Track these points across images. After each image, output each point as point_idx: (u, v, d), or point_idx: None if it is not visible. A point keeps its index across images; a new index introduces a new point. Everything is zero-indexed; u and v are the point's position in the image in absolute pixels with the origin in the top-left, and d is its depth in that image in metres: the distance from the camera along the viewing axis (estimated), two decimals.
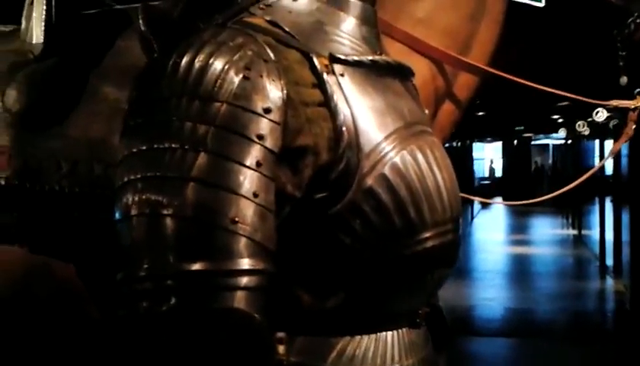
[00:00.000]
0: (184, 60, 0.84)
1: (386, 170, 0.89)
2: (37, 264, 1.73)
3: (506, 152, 25.24)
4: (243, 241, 0.79)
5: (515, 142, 24.03)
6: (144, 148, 0.82)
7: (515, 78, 1.76)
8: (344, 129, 0.87)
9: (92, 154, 1.64)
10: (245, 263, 0.79)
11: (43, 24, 1.74)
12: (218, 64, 0.83)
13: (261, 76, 0.84)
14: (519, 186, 19.19)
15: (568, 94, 1.83)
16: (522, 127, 19.87)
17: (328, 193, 0.87)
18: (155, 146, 0.81)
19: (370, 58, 0.95)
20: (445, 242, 0.93)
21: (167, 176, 0.80)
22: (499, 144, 25.60)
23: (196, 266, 0.78)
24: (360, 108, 0.90)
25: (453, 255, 0.98)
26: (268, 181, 0.82)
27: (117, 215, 0.83)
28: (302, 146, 0.85)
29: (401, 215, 0.89)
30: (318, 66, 0.89)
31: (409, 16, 1.69)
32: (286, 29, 0.93)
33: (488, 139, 24.30)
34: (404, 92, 1.00)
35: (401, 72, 1.02)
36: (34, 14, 1.78)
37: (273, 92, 0.84)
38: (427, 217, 0.91)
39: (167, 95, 0.83)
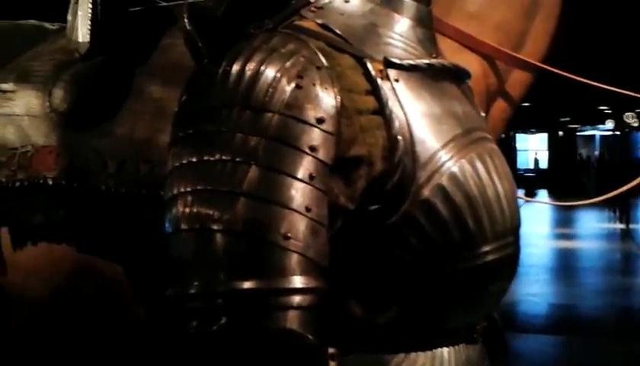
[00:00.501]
0: (235, 68, 0.81)
1: (444, 180, 0.84)
2: (84, 264, 1.73)
3: (551, 144, 24.75)
4: (295, 257, 0.76)
5: (560, 133, 23.54)
6: (194, 160, 0.80)
7: (569, 75, 1.69)
8: (399, 138, 0.83)
9: (138, 153, 1.63)
10: (298, 281, 0.76)
11: (88, 22, 1.73)
12: (269, 72, 0.80)
13: (314, 84, 0.80)
14: (564, 178, 18.79)
15: (622, 91, 1.75)
16: (567, 118, 19.45)
17: (382, 205, 0.83)
18: (205, 157, 0.79)
19: (426, 61, 0.91)
20: (505, 255, 0.89)
21: (217, 190, 0.78)
22: (544, 135, 25.12)
23: (247, 284, 0.75)
24: (416, 115, 0.86)
25: (513, 268, 0.94)
26: (321, 195, 0.79)
27: (167, 228, 0.82)
28: (355, 156, 0.82)
29: (459, 228, 0.84)
30: (373, 72, 0.85)
31: (460, 11, 1.63)
32: (339, 32, 0.89)
33: (533, 130, 23.87)
34: (462, 96, 0.96)
35: (458, 75, 0.98)
36: (80, 13, 1.77)
37: (326, 101, 0.80)
38: (487, 230, 0.86)
39: (217, 105, 0.81)
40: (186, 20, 1.57)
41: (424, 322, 0.89)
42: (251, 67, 0.81)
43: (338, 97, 0.81)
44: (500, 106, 1.70)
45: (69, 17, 1.85)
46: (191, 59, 1.69)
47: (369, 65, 0.86)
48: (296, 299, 0.76)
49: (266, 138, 0.78)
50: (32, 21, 2.03)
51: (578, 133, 24.47)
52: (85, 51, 1.73)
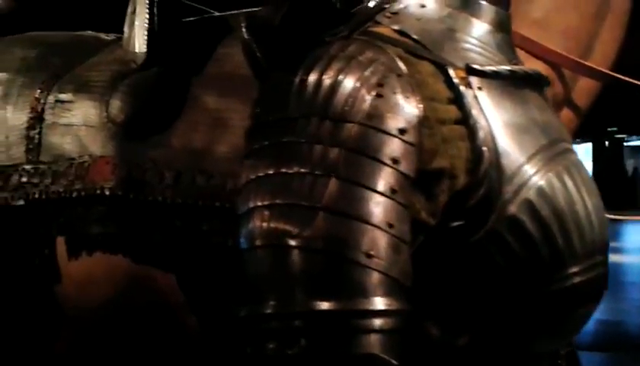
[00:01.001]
0: (312, 77, 0.78)
1: (531, 195, 0.79)
2: (139, 275, 1.72)
3: (596, 154, 24.21)
4: (378, 277, 0.73)
5: (606, 143, 22.99)
6: (271, 172, 0.77)
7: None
8: (484, 149, 0.79)
9: (195, 164, 1.61)
10: (380, 302, 0.72)
11: (145, 33, 1.73)
12: (348, 81, 0.76)
13: (395, 93, 0.77)
14: (610, 190, 18.33)
15: None
16: (615, 128, 18.98)
17: (465, 221, 0.79)
18: (283, 170, 0.76)
19: (508, 68, 0.86)
20: (594, 276, 0.84)
21: (295, 204, 0.75)
22: (588, 145, 24.60)
23: (327, 305, 0.72)
24: (500, 125, 0.81)
25: (601, 290, 0.88)
26: (403, 210, 0.75)
27: (242, 244, 0.79)
28: (437, 168, 0.78)
29: (548, 246, 0.79)
30: (455, 79, 0.81)
31: (524, 17, 1.58)
32: (417, 38, 0.85)
33: (577, 140, 23.39)
34: (544, 104, 0.91)
35: (538, 82, 0.93)
36: (137, 23, 1.77)
37: (408, 110, 0.77)
38: (577, 248, 0.81)
39: (294, 115, 0.78)
40: (244, 30, 1.56)
41: (505, 347, 0.84)
42: (329, 76, 0.78)
43: (420, 106, 0.77)
44: (566, 116, 1.63)
45: (126, 28, 1.85)
46: (247, 69, 1.68)
47: (452, 73, 0.81)
48: (379, 321, 0.72)
49: (346, 149, 0.75)
50: (89, 32, 2.04)
51: (626, 144, 23.87)
52: (142, 62, 1.73)
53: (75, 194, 1.66)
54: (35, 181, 1.71)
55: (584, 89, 1.64)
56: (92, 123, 1.68)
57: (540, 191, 0.81)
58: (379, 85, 0.78)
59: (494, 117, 0.82)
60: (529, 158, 0.82)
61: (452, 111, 0.81)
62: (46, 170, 1.71)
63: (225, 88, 1.66)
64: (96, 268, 1.75)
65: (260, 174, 0.79)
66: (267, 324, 0.75)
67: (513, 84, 0.87)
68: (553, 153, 0.85)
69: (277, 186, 0.77)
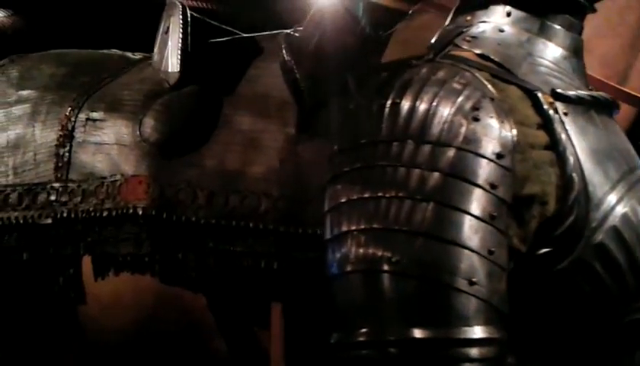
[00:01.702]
0: (405, 101, 0.77)
1: (617, 223, 0.79)
2: (167, 295, 1.70)
3: None
4: (478, 305, 0.71)
5: None
6: (366, 196, 0.76)
7: None
8: (573, 175, 0.78)
9: (228, 185, 1.60)
10: (481, 331, 0.70)
11: (178, 52, 1.72)
12: (444, 105, 0.76)
13: (491, 117, 0.76)
14: None
15: None
16: None
17: (553, 248, 0.78)
18: (380, 194, 0.75)
19: (590, 93, 0.86)
20: None
21: (390, 228, 0.73)
22: None
23: (423, 333, 0.70)
24: (585, 151, 0.81)
25: None
26: (502, 236, 0.74)
27: (332, 269, 0.77)
28: (529, 194, 0.77)
29: (634, 274, 0.79)
30: (545, 105, 0.80)
31: None
32: (500, 62, 0.85)
33: None
34: (619, 130, 0.91)
35: (610, 108, 0.93)
36: (169, 43, 1.76)
37: (504, 134, 0.76)
38: None
39: (387, 139, 0.77)
40: (284, 51, 1.56)
41: None
42: (423, 100, 0.77)
43: (514, 130, 0.77)
44: None
45: (157, 48, 1.85)
46: (280, 91, 1.68)
47: (541, 98, 0.81)
48: (478, 350, 0.70)
49: (444, 174, 0.74)
50: (114, 51, 2.04)
51: None
52: (175, 81, 1.72)
53: (105, 213, 1.64)
54: (64, 199, 1.69)
55: (621, 116, 1.64)
56: (124, 141, 1.66)
57: (625, 218, 0.80)
58: (475, 109, 0.77)
59: (579, 142, 0.82)
60: (614, 185, 0.82)
61: (542, 137, 0.81)
62: (75, 188, 1.69)
63: (258, 110, 1.65)
64: (123, 289, 1.72)
65: (354, 197, 0.77)
66: (360, 352, 0.73)
67: (594, 109, 0.87)
68: (634, 180, 0.85)
69: (373, 210, 0.76)
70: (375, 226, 0.75)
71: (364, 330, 0.72)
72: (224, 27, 1.88)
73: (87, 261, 1.73)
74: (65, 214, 1.68)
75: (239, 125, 1.65)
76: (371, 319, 0.73)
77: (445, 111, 0.76)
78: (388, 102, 0.79)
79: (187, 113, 1.66)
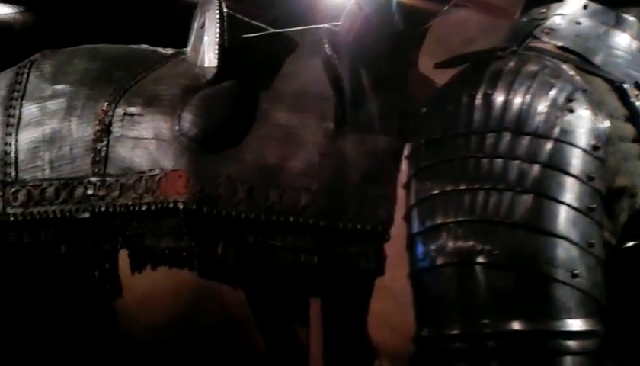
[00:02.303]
0: (498, 93, 0.78)
1: None
2: (206, 290, 1.70)
3: None
4: (580, 297, 0.71)
5: None
6: (461, 188, 0.76)
7: None
8: None
9: (267, 179, 1.61)
10: (582, 323, 0.70)
11: (216, 47, 1.72)
12: (539, 97, 0.76)
13: (585, 109, 0.77)
14: None
15: None
16: None
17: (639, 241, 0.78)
18: (476, 186, 0.75)
19: None
20: None
21: (489, 221, 0.73)
22: None
23: (522, 325, 0.70)
24: None
25: None
26: (599, 229, 0.74)
27: (423, 262, 0.77)
28: (620, 187, 0.77)
29: None
30: (632, 97, 0.81)
31: None
32: (582, 54, 0.85)
33: None
34: None
35: None
36: (206, 38, 1.77)
37: (598, 126, 0.76)
38: None
39: (481, 131, 0.77)
40: (326, 46, 1.56)
41: None
42: (517, 93, 0.77)
43: (606, 122, 0.77)
44: None
45: (191, 43, 1.85)
46: (317, 86, 1.68)
47: (629, 90, 0.81)
48: (578, 343, 0.70)
49: (542, 166, 0.74)
50: (144, 46, 2.04)
51: None
52: (212, 76, 1.72)
53: (144, 207, 1.64)
54: (101, 193, 1.69)
55: None
56: (163, 136, 1.66)
57: None
58: (569, 100, 0.77)
59: None
60: None
61: (629, 129, 0.81)
62: (113, 183, 1.69)
63: (296, 105, 1.66)
64: (161, 284, 1.73)
65: (448, 189, 0.77)
66: (453, 345, 0.73)
67: None
68: None
69: (470, 202, 0.75)
70: (472, 218, 0.75)
71: (457, 323, 0.72)
72: (255, 23, 1.88)
73: (123, 256, 1.74)
74: (103, 208, 1.68)
75: (277, 120, 1.65)
76: (465, 312, 0.73)
77: (540, 104, 0.76)
78: (479, 94, 0.79)
79: (226, 107, 1.66)
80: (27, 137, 1.78)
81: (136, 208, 1.65)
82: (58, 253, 1.72)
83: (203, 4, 1.79)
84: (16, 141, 1.78)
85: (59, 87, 1.82)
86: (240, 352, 1.72)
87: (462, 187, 0.76)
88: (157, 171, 1.64)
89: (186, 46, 1.89)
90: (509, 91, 0.77)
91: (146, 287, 1.74)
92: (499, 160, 0.75)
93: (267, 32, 1.85)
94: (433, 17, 1.77)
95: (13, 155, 1.77)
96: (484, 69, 0.82)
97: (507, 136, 0.75)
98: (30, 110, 1.81)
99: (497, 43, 1.19)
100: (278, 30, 1.84)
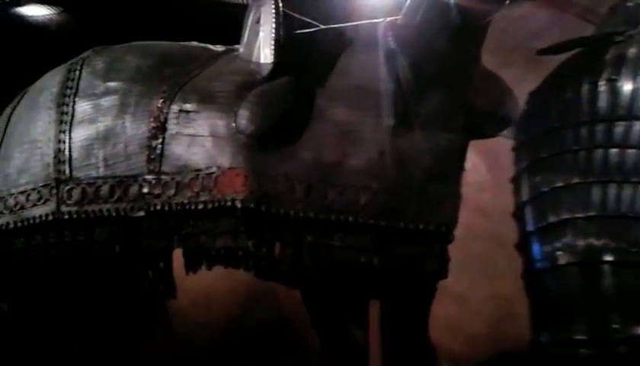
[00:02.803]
0: (623, 80, 0.73)
1: None
2: (261, 290, 1.67)
3: None
4: None
5: None
6: (590, 180, 0.70)
7: None
8: None
9: (326, 178, 1.57)
10: None
11: (272, 43, 1.69)
12: None
13: None
14: None
15: None
16: None
17: None
18: (607, 178, 0.70)
19: None
20: None
21: (618, 216, 0.68)
22: None
23: None
24: None
25: None
26: None
27: (541, 263, 0.72)
28: None
29: None
30: None
31: None
32: None
33: None
34: None
35: None
36: (261, 34, 1.73)
37: None
38: None
39: (607, 118, 0.72)
40: (389, 38, 1.51)
41: None
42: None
43: None
44: None
45: (245, 39, 1.82)
46: (374, 82, 1.63)
47: None
48: None
49: None
50: (194, 43, 2.01)
51: None
52: (268, 72, 1.68)
53: (200, 206, 1.62)
54: (157, 191, 1.67)
55: None
56: (220, 133, 1.63)
57: None
58: None
59: None
60: None
61: None
62: (168, 181, 1.67)
63: (353, 102, 1.61)
64: (215, 283, 1.71)
65: (574, 181, 0.72)
66: (579, 351, 0.67)
67: None
68: None
69: (601, 196, 0.70)
70: (604, 213, 0.69)
71: (582, 327, 0.67)
72: (307, 19, 1.84)
73: (177, 255, 1.72)
74: (158, 207, 1.66)
75: (334, 117, 1.61)
76: (592, 316, 0.67)
77: None
78: (602, 80, 0.74)
79: (283, 104, 1.62)
80: (80, 135, 1.77)
81: (192, 207, 1.63)
82: (112, 252, 1.70)
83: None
84: (70, 138, 1.77)
85: (111, 84, 1.81)
86: (295, 352, 1.69)
87: (590, 180, 0.70)
88: (214, 169, 1.61)
89: (225, 44, 1.87)
90: (635, 77, 0.72)
91: (201, 286, 1.72)
92: (631, 151, 0.70)
93: (320, 28, 1.81)
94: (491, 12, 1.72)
95: (67, 152, 1.76)
96: (602, 54, 0.77)
97: (637, 125, 0.70)
98: (83, 107, 1.79)
99: (577, 32, 1.13)
100: (331, 26, 1.80)
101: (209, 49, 1.94)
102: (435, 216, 1.51)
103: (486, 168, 1.52)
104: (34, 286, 1.78)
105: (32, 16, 4.38)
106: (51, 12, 4.69)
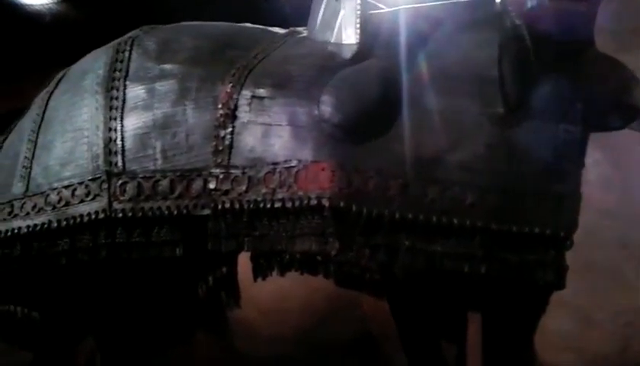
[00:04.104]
0: None
1: None
2: (343, 300, 1.48)
3: None
4: None
5: None
6: None
7: None
8: None
9: (425, 174, 1.38)
10: None
11: (357, 22, 1.50)
12: None
13: None
14: None
15: None
16: None
17: None
18: None
19: None
20: None
21: None
22: None
23: None
24: None
25: None
26: None
27: None
28: None
29: None
30: None
31: None
32: None
33: None
34: None
35: None
36: (342, 12, 1.55)
37: None
38: None
39: None
40: (513, 15, 1.33)
41: None
42: None
43: None
44: None
45: (320, 18, 1.63)
46: (472, 66, 1.45)
47: None
48: None
49: None
50: (248, 24, 1.82)
51: None
52: (353, 53, 1.50)
53: (277, 204, 1.42)
54: (225, 187, 1.47)
55: None
56: (300, 122, 1.44)
57: None
58: None
59: None
60: None
61: None
62: (239, 175, 1.47)
63: (450, 88, 1.43)
64: (288, 291, 1.51)
65: None
66: None
67: None
68: None
69: None
70: None
71: None
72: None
73: (243, 259, 1.52)
74: (227, 205, 1.46)
75: (429, 104, 1.42)
76: None
77: None
78: None
79: (372, 89, 1.43)
80: (134, 123, 1.57)
81: (268, 205, 1.43)
82: (173, 254, 1.51)
83: None
84: (122, 127, 1.57)
85: (167, 66, 1.61)
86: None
87: None
88: (294, 163, 1.42)
89: None
90: None
91: (270, 295, 1.52)
92: None
93: (403, 6, 1.63)
94: None
95: (119, 142, 1.55)
96: None
97: None
98: (135, 91, 1.59)
99: None
100: (415, 5, 1.62)
101: (270, 30, 1.75)
102: (552, 218, 1.33)
103: (611, 165, 1.34)
104: (79, 292, 1.58)
105: (30, 5, 4.19)
106: (49, 1, 4.50)
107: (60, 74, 1.77)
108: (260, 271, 1.51)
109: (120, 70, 1.63)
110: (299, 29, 1.73)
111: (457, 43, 1.48)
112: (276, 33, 1.73)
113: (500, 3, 1.36)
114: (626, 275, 1.32)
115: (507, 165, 1.36)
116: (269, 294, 1.53)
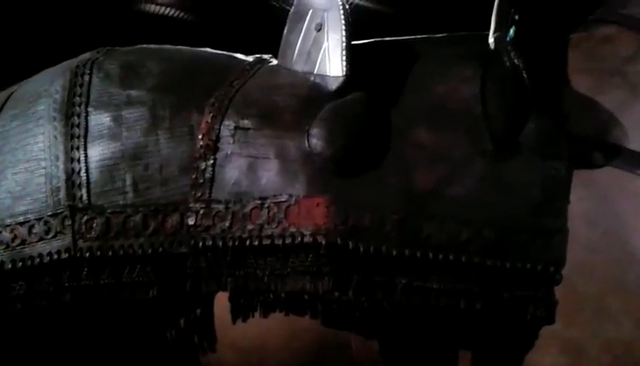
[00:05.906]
0: None
1: None
2: (330, 341, 1.42)
3: None
4: None
5: None
6: None
7: None
8: None
9: (419, 208, 1.35)
10: None
11: (343, 54, 1.47)
12: None
13: None
14: None
15: None
16: None
17: None
18: None
19: None
20: None
21: None
22: None
23: None
24: None
25: None
26: None
27: None
28: None
29: None
30: None
31: None
32: None
33: None
34: None
35: None
36: (326, 43, 1.50)
37: None
38: None
39: None
40: (511, 54, 1.35)
41: None
42: None
43: None
44: None
45: (298, 47, 1.58)
46: (457, 101, 1.46)
47: None
48: None
49: None
50: (207, 49, 1.74)
51: None
52: (339, 85, 1.46)
53: (266, 242, 1.35)
54: (206, 223, 1.38)
55: None
56: (290, 156, 1.38)
57: None
58: None
59: None
60: None
61: None
62: (222, 210, 1.38)
63: (438, 123, 1.42)
64: (272, 333, 1.43)
65: None
66: None
67: None
68: None
69: None
70: None
71: None
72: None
73: (220, 300, 1.43)
74: (208, 242, 1.37)
75: (418, 139, 1.40)
76: None
77: None
78: None
79: (362, 122, 1.39)
80: (100, 153, 1.44)
81: (255, 242, 1.35)
82: (146, 296, 1.39)
83: (322, 4, 1.52)
84: (86, 157, 1.44)
85: (134, 92, 1.49)
86: None
87: None
88: (284, 198, 1.35)
89: None
90: None
91: (251, 337, 1.44)
92: None
93: (387, 39, 1.61)
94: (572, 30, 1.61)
95: (83, 174, 1.42)
96: None
97: None
98: (99, 119, 1.47)
99: None
100: (399, 38, 1.61)
101: (235, 56, 1.68)
102: (543, 254, 1.35)
103: (595, 201, 1.37)
104: (39, 340, 1.42)
105: None
106: None
107: (4, 97, 1.61)
108: (240, 311, 1.42)
109: (81, 95, 1.50)
110: (265, 56, 1.67)
111: (439, 77, 1.48)
112: (243, 59, 1.66)
113: (496, 40, 1.37)
114: (613, 308, 1.35)
115: (500, 200, 1.36)
116: (249, 336, 1.44)
